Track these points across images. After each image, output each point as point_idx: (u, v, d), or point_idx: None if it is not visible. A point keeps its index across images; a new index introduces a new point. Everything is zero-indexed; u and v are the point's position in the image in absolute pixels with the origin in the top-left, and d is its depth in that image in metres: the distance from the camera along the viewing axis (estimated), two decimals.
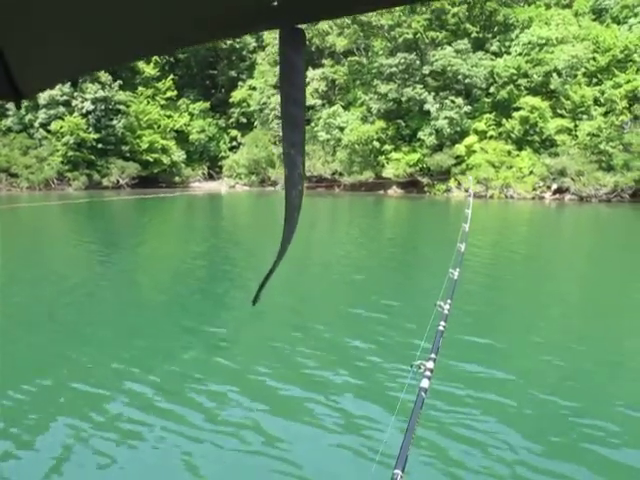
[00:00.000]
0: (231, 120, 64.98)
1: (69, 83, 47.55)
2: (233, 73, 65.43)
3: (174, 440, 6.00)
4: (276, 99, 57.83)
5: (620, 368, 8.62)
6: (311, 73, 55.18)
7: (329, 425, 6.28)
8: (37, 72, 0.86)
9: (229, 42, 64.92)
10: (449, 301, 3.66)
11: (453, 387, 7.19)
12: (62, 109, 51.47)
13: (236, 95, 63.26)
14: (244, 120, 63.26)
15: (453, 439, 5.94)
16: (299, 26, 0.61)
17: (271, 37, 60.73)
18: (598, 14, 48.20)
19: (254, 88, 61.46)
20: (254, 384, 7.49)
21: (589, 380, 8.00)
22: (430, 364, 2.82)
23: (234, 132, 64.23)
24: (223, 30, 0.67)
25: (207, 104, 63.83)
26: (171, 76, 61.66)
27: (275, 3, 0.57)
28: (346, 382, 7.52)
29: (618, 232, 28.07)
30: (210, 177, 63.30)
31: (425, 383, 2.69)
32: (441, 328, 3.31)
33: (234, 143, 63.65)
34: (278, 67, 0.62)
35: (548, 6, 50.12)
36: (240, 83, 64.38)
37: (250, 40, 65.95)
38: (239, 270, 17.09)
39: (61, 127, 50.61)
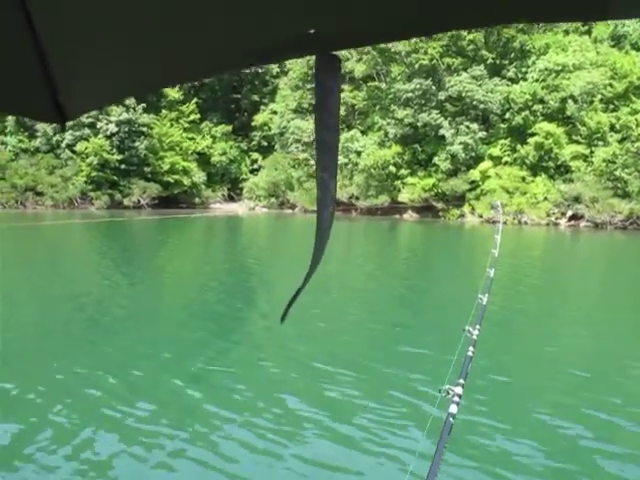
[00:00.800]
0: (253, 143, 66.19)
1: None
2: (256, 97, 66.72)
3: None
4: (295, 123, 58.78)
5: None
6: None
7: (356, 450, 6.18)
8: (82, 95, 0.91)
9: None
10: (478, 326, 3.63)
11: (482, 413, 7.09)
12: (87, 131, 53.13)
13: (258, 119, 64.42)
14: (265, 143, 64.36)
15: (481, 465, 5.88)
16: (335, 53, 0.62)
17: (294, 62, 61.82)
18: (617, 41, 48.05)
19: (275, 112, 62.52)
20: (277, 409, 7.30)
21: (623, 413, 7.67)
22: (459, 389, 2.78)
23: (255, 155, 65.33)
24: (264, 57, 0.70)
25: (229, 127, 65.10)
26: (195, 100, 63.13)
27: (312, 31, 0.59)
28: (373, 406, 7.38)
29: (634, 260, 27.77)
30: (230, 199, 64.30)
31: (453, 408, 2.65)
32: (470, 354, 3.28)
33: (255, 166, 64.66)
34: (314, 92, 0.63)
35: (567, 32, 50.18)
36: (262, 107, 65.59)
37: (273, 65, 67.25)
38: (257, 291, 17.28)
39: (86, 148, 52.24)
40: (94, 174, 52.54)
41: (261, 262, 24.46)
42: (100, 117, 53.23)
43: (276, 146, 62.15)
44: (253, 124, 65.07)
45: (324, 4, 0.60)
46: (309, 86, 60.27)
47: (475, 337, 3.46)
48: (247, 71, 66.11)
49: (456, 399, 2.71)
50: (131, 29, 0.72)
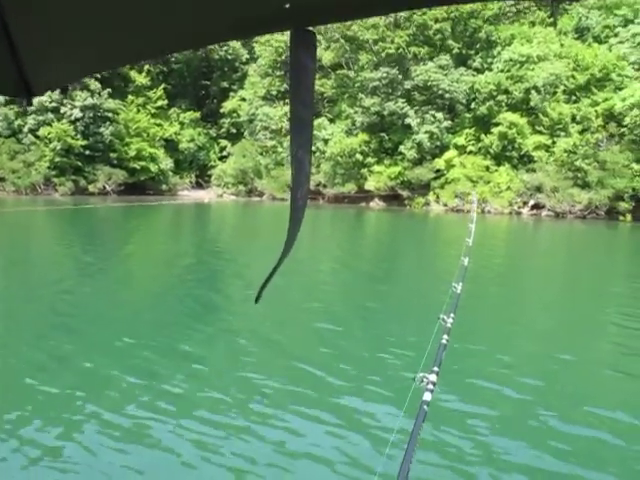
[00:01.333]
0: (222, 130, 65.76)
1: (58, 90, 48.32)
2: (225, 84, 66.24)
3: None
4: (264, 110, 58.54)
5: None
6: None
7: (330, 437, 6.16)
8: (51, 70, 0.89)
9: (221, 53, 65.88)
10: (452, 315, 3.63)
11: (456, 400, 7.11)
12: (51, 115, 52.19)
13: (227, 105, 64.01)
14: (234, 130, 63.98)
15: (456, 452, 5.90)
16: (310, 28, 0.61)
17: (263, 49, 61.48)
18: (580, 33, 48.71)
19: (244, 99, 62.15)
20: (250, 394, 7.28)
21: (596, 392, 7.86)
22: (433, 377, 2.78)
23: (224, 142, 64.96)
24: (236, 31, 0.68)
25: (197, 114, 64.60)
26: (162, 85, 62.41)
27: (287, 5, 0.58)
28: (347, 395, 7.37)
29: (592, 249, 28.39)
30: (199, 185, 63.91)
31: (428, 396, 2.64)
32: (444, 341, 3.28)
33: (224, 153, 64.28)
34: (289, 67, 0.62)
35: (532, 24, 50.71)
36: (232, 94, 65.14)
37: (242, 52, 66.82)
38: (226, 276, 17.13)
39: (49, 133, 51.31)
40: (58, 160, 51.65)
41: (229, 248, 24.45)
42: (64, 102, 52.32)
43: (245, 133, 61.85)
44: (222, 111, 64.64)
45: None
46: (278, 73, 60.02)
47: (449, 325, 3.48)
48: (216, 57, 65.71)
49: (430, 387, 2.70)
50: (99, 5, 0.70)
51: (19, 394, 7.24)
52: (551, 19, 51.61)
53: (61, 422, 6.39)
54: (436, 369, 2.89)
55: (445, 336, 3.33)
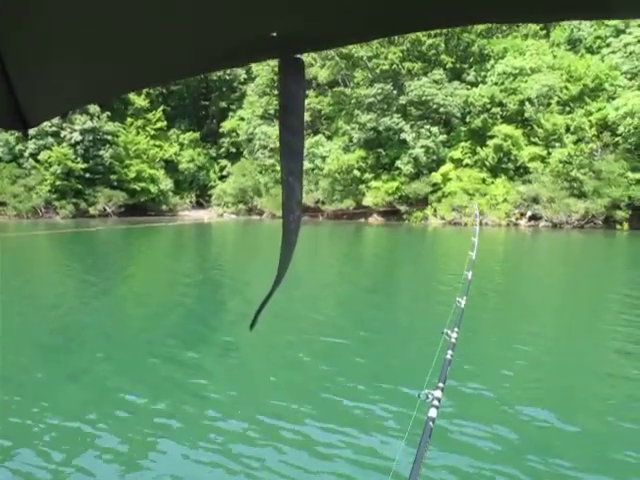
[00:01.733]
0: (221, 150, 66.39)
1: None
2: (224, 104, 66.97)
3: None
4: (262, 129, 59.06)
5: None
6: None
7: (335, 455, 6.10)
8: (44, 102, 0.91)
9: (219, 74, 66.62)
10: (456, 329, 3.58)
11: (461, 416, 7.00)
12: (51, 140, 52.84)
13: (226, 125, 64.66)
14: (233, 150, 64.59)
15: (461, 469, 5.84)
16: (298, 56, 0.62)
17: (260, 68, 62.18)
18: (573, 44, 49.05)
19: (243, 119, 62.76)
20: (253, 414, 7.19)
21: (606, 406, 7.65)
22: (438, 393, 2.74)
23: (224, 161, 65.52)
24: (224, 60, 0.69)
25: (197, 134, 65.28)
26: (162, 107, 63.11)
27: (274, 34, 0.59)
28: (352, 412, 7.28)
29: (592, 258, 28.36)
30: (199, 205, 64.33)
31: (433, 412, 2.62)
32: (449, 357, 3.24)
33: (224, 172, 64.78)
34: (278, 95, 0.63)
35: (525, 36, 51.11)
36: (231, 113, 65.82)
37: (241, 72, 67.53)
38: (227, 298, 16.99)
39: (49, 157, 51.93)
40: (58, 183, 52.22)
41: (229, 266, 24.61)
42: (64, 125, 53.01)
43: (244, 152, 62.36)
44: (221, 131, 65.33)
45: (286, 7, 0.60)
46: (276, 92, 60.32)
47: (454, 340, 3.43)
48: (215, 78, 66.43)
49: (436, 403, 2.67)
50: (91, 34, 0.71)
51: (30, 410, 7.32)
52: (544, 31, 52.00)
53: (68, 438, 6.48)
54: (441, 385, 2.85)
55: (450, 351, 3.30)
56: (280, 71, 0.63)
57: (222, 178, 64.48)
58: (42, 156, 52.29)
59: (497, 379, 8.79)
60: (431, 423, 2.54)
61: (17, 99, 0.87)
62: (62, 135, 53.19)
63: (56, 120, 51.65)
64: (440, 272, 21.97)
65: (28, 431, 6.68)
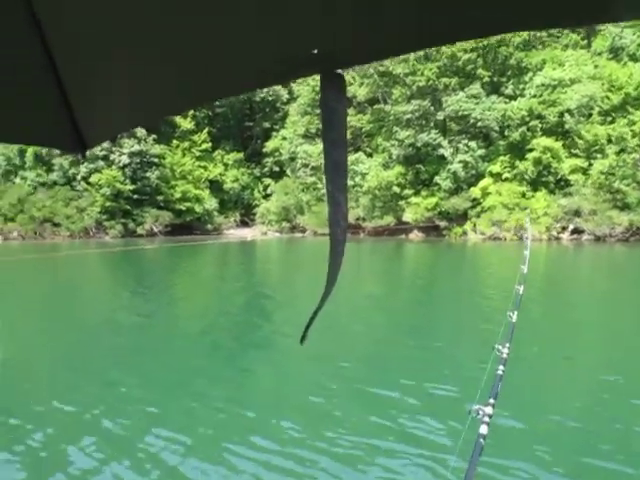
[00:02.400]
0: (265, 169, 67.69)
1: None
2: (267, 124, 68.40)
3: None
4: (303, 148, 59.98)
5: None
6: None
7: (383, 471, 6.03)
8: (101, 124, 0.96)
9: (263, 95, 68.14)
10: (507, 344, 3.53)
11: (513, 434, 6.90)
12: (101, 163, 55.27)
13: (269, 145, 65.98)
14: (277, 169, 65.76)
15: None
16: (339, 71, 0.63)
17: (302, 88, 63.37)
18: (615, 53, 47.99)
19: (285, 138, 63.90)
20: (301, 433, 7.19)
21: None
22: (489, 409, 2.69)
23: (268, 180, 66.73)
24: (268, 78, 0.72)
25: (241, 154, 66.84)
26: (207, 129, 64.99)
27: (315, 51, 0.62)
28: (400, 427, 7.22)
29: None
30: (244, 224, 65.63)
31: (484, 429, 2.58)
32: (500, 372, 3.18)
33: (268, 191, 65.98)
34: (320, 111, 0.64)
35: (565, 47, 50.40)
36: (274, 133, 67.13)
37: (283, 92, 68.97)
38: (272, 315, 17.21)
39: (99, 180, 54.28)
40: (108, 204, 54.45)
41: (272, 283, 25.27)
42: (113, 149, 55.33)
43: (287, 171, 63.40)
44: (265, 150, 66.65)
45: (326, 24, 0.62)
46: (317, 111, 61.40)
47: (505, 355, 3.39)
48: (257, 99, 67.99)
49: (486, 419, 2.64)
50: (146, 56, 0.75)
51: (83, 427, 7.49)
52: (584, 41, 51.13)
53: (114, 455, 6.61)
54: (492, 401, 2.80)
55: (501, 367, 3.24)
56: (321, 86, 0.63)
57: (266, 197, 65.64)
58: (93, 179, 54.71)
59: (551, 395, 8.66)
60: (482, 440, 2.51)
61: (76, 121, 0.93)
62: (111, 158, 55.52)
63: (106, 144, 53.99)
64: (485, 287, 21.92)
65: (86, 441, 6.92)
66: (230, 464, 6.29)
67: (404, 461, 6.25)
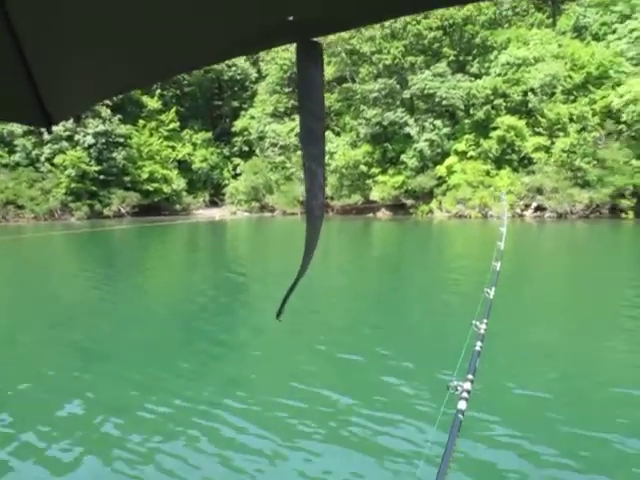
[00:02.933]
0: (235, 149, 67.22)
1: (71, 119, 50.51)
2: (236, 103, 67.79)
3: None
4: (272, 127, 59.69)
5: None
6: None
7: (363, 449, 6.06)
8: (68, 97, 0.94)
9: (231, 73, 67.46)
10: (485, 320, 3.52)
11: (491, 409, 6.90)
12: (65, 144, 54.32)
13: (238, 124, 65.46)
14: (246, 148, 65.35)
15: (492, 462, 5.80)
16: (316, 39, 0.62)
17: (270, 67, 62.84)
18: (579, 32, 48.41)
19: (254, 117, 63.47)
20: (280, 410, 7.16)
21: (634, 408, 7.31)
22: (467, 385, 2.70)
23: (237, 160, 66.31)
24: (242, 46, 0.70)
25: (209, 134, 66.23)
26: (174, 108, 64.19)
27: (291, 18, 0.60)
28: (380, 404, 7.23)
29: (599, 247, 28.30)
30: (214, 204, 65.30)
31: (462, 405, 2.59)
32: (478, 348, 3.18)
33: (237, 170, 65.61)
34: (297, 80, 0.63)
35: (531, 26, 50.68)
36: (242, 112, 66.59)
37: (251, 71, 68.35)
38: (242, 294, 17.09)
39: (64, 160, 53.38)
40: (73, 185, 53.63)
41: (241, 262, 25.19)
42: (77, 130, 54.39)
43: (256, 150, 63.09)
44: (234, 130, 66.12)
45: None
46: (286, 90, 61.20)
47: (483, 331, 3.38)
48: (226, 78, 67.27)
49: (465, 395, 2.64)
50: (110, 28, 0.73)
51: (43, 414, 7.32)
52: (550, 20, 51.45)
53: (77, 443, 6.46)
54: (470, 377, 2.81)
55: (479, 343, 3.24)
56: (298, 56, 0.62)
57: (235, 177, 65.27)
58: (57, 160, 53.77)
59: (528, 369, 8.76)
60: (460, 415, 2.52)
61: (40, 96, 0.92)
62: (76, 139, 54.58)
63: (70, 125, 53.10)
64: (456, 264, 22.13)
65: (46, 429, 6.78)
66: (200, 449, 6.24)
67: (383, 436, 6.32)
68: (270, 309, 12.57)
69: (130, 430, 6.69)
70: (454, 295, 14.97)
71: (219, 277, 20.25)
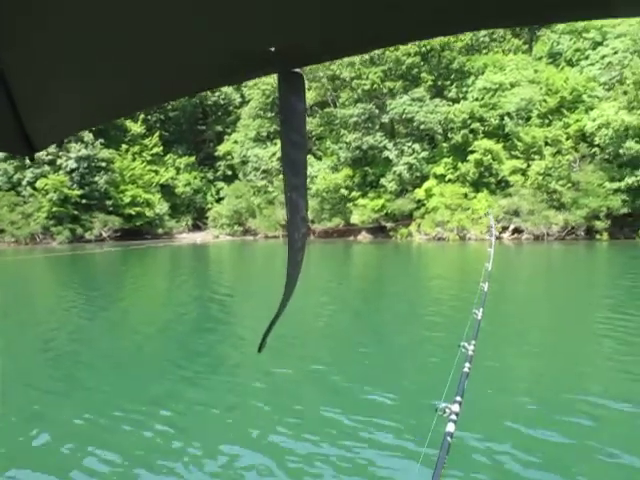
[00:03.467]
0: (218, 173, 67.65)
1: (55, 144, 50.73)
2: (219, 128, 68.46)
3: None
4: (254, 152, 60.15)
5: None
6: None
7: (351, 470, 6.04)
8: (49, 127, 0.94)
9: (215, 98, 68.17)
10: (473, 342, 3.50)
11: (480, 431, 6.87)
12: (48, 168, 54.53)
13: (221, 149, 65.96)
14: (229, 172, 65.76)
15: None
16: (297, 70, 0.62)
17: (253, 92, 63.51)
18: (554, 58, 49.45)
19: (237, 142, 63.96)
20: (265, 437, 7.09)
21: (625, 425, 7.38)
22: (456, 407, 2.68)
23: (221, 184, 66.67)
24: (223, 77, 0.71)
25: (193, 158, 66.68)
26: (157, 133, 64.63)
27: (272, 49, 0.60)
28: (368, 427, 7.19)
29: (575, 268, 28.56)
30: (197, 228, 65.43)
31: (451, 427, 2.57)
32: (466, 370, 3.17)
33: (221, 194, 65.90)
34: (278, 111, 0.62)
35: (507, 52, 51.71)
36: (226, 137, 67.14)
37: (235, 96, 69.10)
38: (224, 319, 17.02)
39: (45, 185, 53.50)
40: (55, 209, 53.71)
41: (222, 287, 25.13)
42: (60, 154, 54.63)
43: (239, 175, 63.46)
44: (217, 154, 66.60)
45: (283, 21, 0.60)
46: (268, 115, 61.85)
47: (471, 352, 3.37)
48: (210, 102, 67.94)
49: (453, 417, 2.63)
50: (92, 57, 0.73)
51: (26, 433, 7.41)
52: (526, 46, 52.53)
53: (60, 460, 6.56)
54: (459, 399, 2.79)
55: (467, 364, 3.22)
56: (279, 86, 0.62)
57: (219, 200, 65.54)
58: (39, 184, 53.91)
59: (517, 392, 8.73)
60: (449, 438, 2.50)
61: (22, 123, 0.91)
62: (58, 163, 54.83)
63: (52, 149, 53.33)
64: (440, 286, 22.19)
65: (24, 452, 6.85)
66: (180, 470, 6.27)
67: (370, 459, 6.30)
68: (250, 333, 12.79)
69: (101, 456, 6.65)
70: (442, 317, 14.91)
71: (197, 299, 20.26)
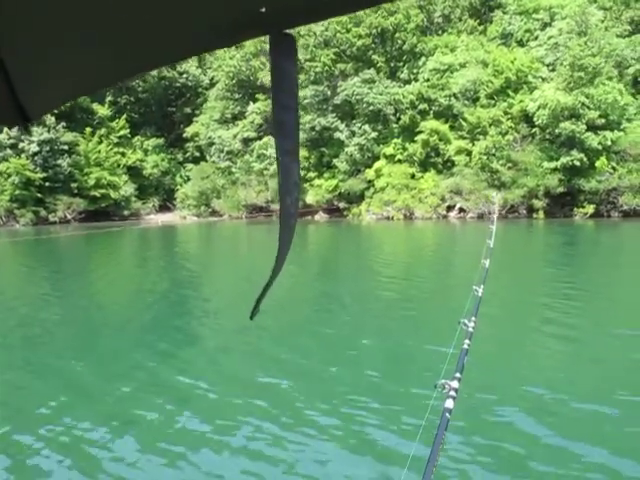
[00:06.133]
0: (187, 154, 68.32)
1: (15, 127, 51.09)
2: (188, 109, 68.93)
3: None
4: (218, 133, 60.84)
5: None
6: (250, 107, 58.30)
7: (351, 447, 6.09)
8: (44, 92, 0.92)
9: (183, 80, 68.64)
10: (473, 318, 3.50)
11: (479, 407, 6.86)
12: (9, 151, 55.30)
13: (189, 130, 66.55)
14: (197, 154, 66.41)
15: (478, 460, 5.78)
16: (288, 31, 0.60)
17: (219, 73, 63.94)
18: (505, 39, 49.84)
19: (203, 124, 64.56)
20: (264, 409, 7.12)
21: (622, 401, 7.21)
22: (455, 383, 2.69)
23: (190, 165, 67.36)
24: (213, 40, 0.67)
25: (161, 140, 67.32)
26: (124, 115, 65.20)
27: (263, 10, 0.57)
28: (367, 403, 7.22)
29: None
30: (167, 209, 66.28)
31: (450, 403, 2.58)
32: (466, 346, 3.17)
33: (190, 176, 66.64)
34: (270, 73, 0.61)
35: (461, 32, 52.03)
36: (194, 119, 67.68)
37: (204, 77, 69.53)
38: (187, 295, 17.10)
39: (7, 168, 54.33)
40: (18, 192, 54.53)
41: (182, 262, 26.01)
42: (22, 138, 55.34)
43: (207, 156, 64.16)
44: (185, 136, 67.21)
45: None
46: (235, 96, 62.37)
47: (471, 329, 3.37)
48: (178, 84, 68.39)
49: (452, 393, 2.63)
50: (84, 24, 0.71)
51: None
52: (481, 27, 52.82)
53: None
54: (458, 375, 2.80)
55: (467, 341, 3.23)
56: (270, 48, 0.60)
57: (188, 182, 66.35)
58: (1, 167, 54.70)
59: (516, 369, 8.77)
60: (447, 414, 2.51)
61: (15, 90, 0.89)
62: (20, 147, 55.58)
63: (14, 132, 54.05)
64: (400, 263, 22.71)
65: None
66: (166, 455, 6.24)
67: (370, 435, 6.36)
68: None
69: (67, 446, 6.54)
70: (443, 292, 14.99)
71: (155, 284, 20.03)
